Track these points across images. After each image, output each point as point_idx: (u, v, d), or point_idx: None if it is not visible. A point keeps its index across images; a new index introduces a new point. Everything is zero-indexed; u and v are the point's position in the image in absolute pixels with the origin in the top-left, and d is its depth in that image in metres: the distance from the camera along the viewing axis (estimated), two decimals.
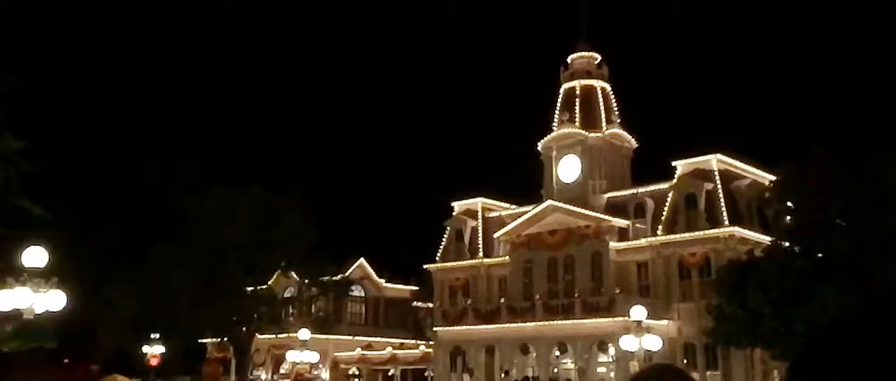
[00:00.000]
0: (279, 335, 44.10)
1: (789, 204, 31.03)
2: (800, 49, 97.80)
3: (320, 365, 49.09)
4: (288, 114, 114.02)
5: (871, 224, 26.50)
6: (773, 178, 39.79)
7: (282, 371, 53.06)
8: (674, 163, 40.88)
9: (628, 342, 26.38)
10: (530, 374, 40.88)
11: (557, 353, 40.79)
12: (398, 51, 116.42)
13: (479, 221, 47.97)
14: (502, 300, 42.80)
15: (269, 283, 45.02)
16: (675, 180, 40.47)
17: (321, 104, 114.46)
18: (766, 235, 37.52)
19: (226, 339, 43.28)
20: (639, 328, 25.86)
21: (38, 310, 17.68)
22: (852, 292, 25.72)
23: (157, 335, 42.60)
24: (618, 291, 38.53)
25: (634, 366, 28.02)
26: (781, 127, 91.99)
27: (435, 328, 45.28)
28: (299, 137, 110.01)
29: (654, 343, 26.55)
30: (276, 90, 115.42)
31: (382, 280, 57.59)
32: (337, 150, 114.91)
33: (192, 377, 46.75)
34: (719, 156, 39.64)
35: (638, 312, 26.07)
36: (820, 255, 27.44)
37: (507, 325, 40.78)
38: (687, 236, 38.67)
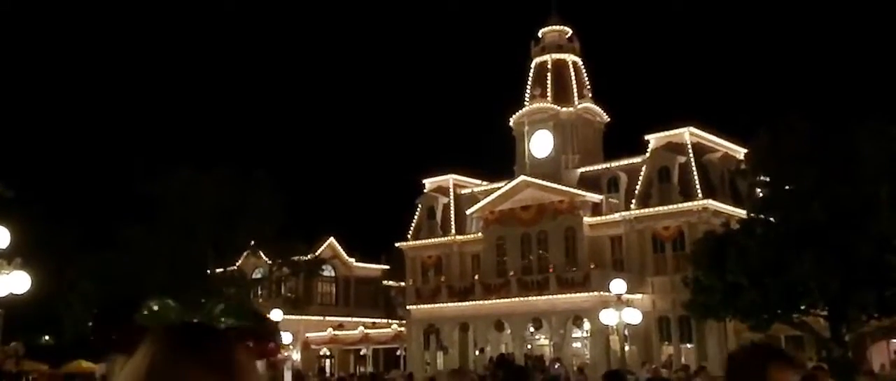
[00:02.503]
0: None
1: (764, 175, 31.02)
2: (772, 21, 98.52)
3: (291, 346, 48.36)
4: (255, 92, 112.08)
5: (847, 193, 26.53)
6: (744, 151, 40.00)
7: None
8: (646, 137, 40.78)
9: (608, 316, 26.17)
10: (505, 351, 40.68)
11: (532, 329, 40.64)
12: (368, 26, 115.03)
13: (451, 197, 47.52)
14: (476, 277, 42.47)
15: (238, 264, 44.10)
16: (647, 154, 40.38)
17: (289, 81, 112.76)
18: (739, 207, 37.66)
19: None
20: (619, 302, 25.64)
21: (1, 292, 16.81)
22: (830, 261, 25.80)
23: None
24: (592, 266, 38.39)
25: (614, 340, 27.87)
26: (752, 100, 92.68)
27: (408, 307, 44.83)
28: (267, 115, 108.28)
29: (634, 317, 26.37)
30: (243, 68, 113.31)
31: (352, 260, 56.91)
32: (305, 127, 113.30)
33: None
34: (692, 129, 39.63)
35: (617, 285, 25.86)
36: (797, 225, 27.38)
37: (481, 302, 40.48)
38: (660, 209, 38.64)
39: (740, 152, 40.28)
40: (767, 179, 30.42)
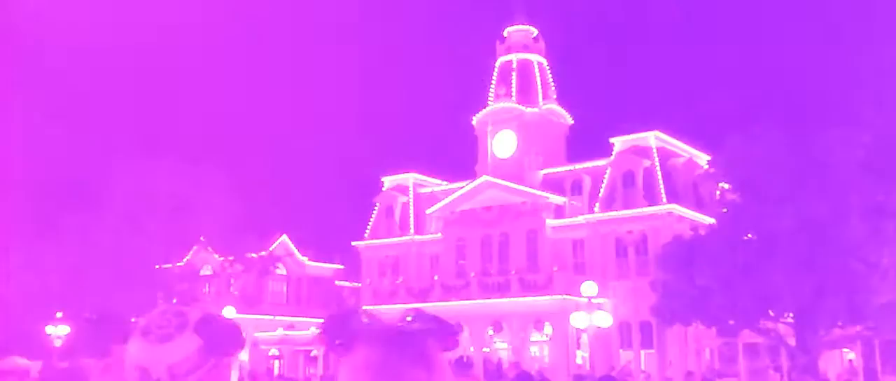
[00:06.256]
0: None
1: (733, 181, 30.82)
2: (740, 29, 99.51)
3: None
4: (211, 82, 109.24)
5: (817, 201, 26.38)
6: (707, 157, 39.97)
7: None
8: (611, 140, 40.44)
9: (579, 319, 25.51)
10: (463, 353, 39.82)
11: (491, 332, 39.88)
12: (330, 20, 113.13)
13: (411, 197, 46.54)
14: (435, 278, 41.55)
15: (187, 259, 42.39)
16: (612, 157, 40.02)
17: (247, 73, 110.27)
18: (702, 214, 37.58)
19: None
20: (590, 305, 25.01)
21: None
22: (801, 268, 25.61)
23: (62, 314, 39.45)
24: (555, 268, 37.82)
25: (584, 344, 27.24)
26: (710, 106, 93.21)
27: (364, 307, 43.60)
28: (222, 106, 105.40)
29: (605, 320, 25.78)
30: (199, 56, 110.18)
31: (305, 258, 55.42)
32: (260, 121, 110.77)
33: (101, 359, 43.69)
34: (657, 133, 39.40)
35: (589, 288, 25.25)
36: (767, 231, 27.16)
37: (440, 303, 39.46)
38: (624, 213, 38.29)
39: (703, 158, 40.25)
40: (736, 186, 30.22)
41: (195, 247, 42.92)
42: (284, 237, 53.69)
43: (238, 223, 41.41)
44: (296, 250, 54.57)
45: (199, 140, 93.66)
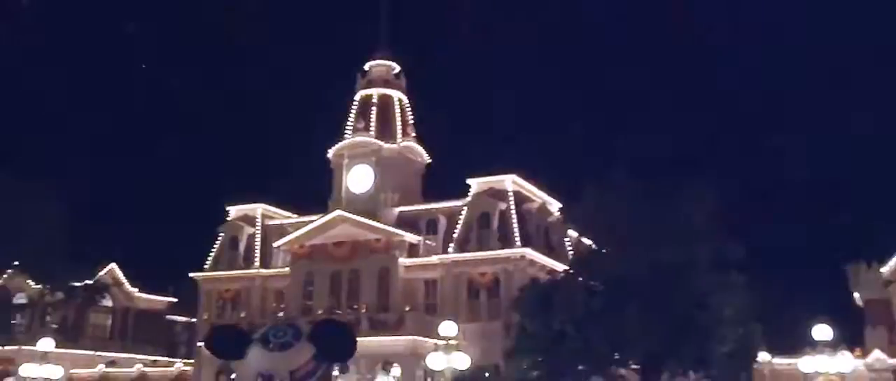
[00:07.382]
0: (6, 347, 37.06)
1: (588, 228, 31.42)
2: (598, 76, 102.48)
3: None
4: (42, 92, 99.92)
5: (668, 251, 27.18)
6: (559, 204, 40.81)
7: None
8: (469, 181, 40.30)
9: (435, 361, 24.68)
10: None
11: (337, 372, 38.19)
12: (182, 41, 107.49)
13: (258, 228, 44.21)
14: (281, 315, 39.42)
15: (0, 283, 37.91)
16: (469, 198, 39.89)
17: (82, 86, 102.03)
18: (552, 258, 38.12)
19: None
20: (448, 347, 24.27)
21: None
22: (651, 312, 26.17)
23: None
24: (408, 308, 36.89)
25: None
26: (565, 153, 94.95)
27: (199, 343, 40.61)
28: (47, 116, 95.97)
29: (462, 362, 25.11)
30: (28, 64, 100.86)
31: (135, 289, 51.23)
32: (90, 133, 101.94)
33: None
34: (514, 177, 39.72)
35: (447, 329, 24.50)
36: (620, 278, 27.65)
37: None
38: (479, 255, 38.11)
39: (555, 205, 41.03)
40: (592, 232, 30.80)
41: (9, 271, 38.45)
42: (113, 265, 49.48)
43: (60, 247, 37.50)
44: (125, 280, 50.39)
45: (19, 153, 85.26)
